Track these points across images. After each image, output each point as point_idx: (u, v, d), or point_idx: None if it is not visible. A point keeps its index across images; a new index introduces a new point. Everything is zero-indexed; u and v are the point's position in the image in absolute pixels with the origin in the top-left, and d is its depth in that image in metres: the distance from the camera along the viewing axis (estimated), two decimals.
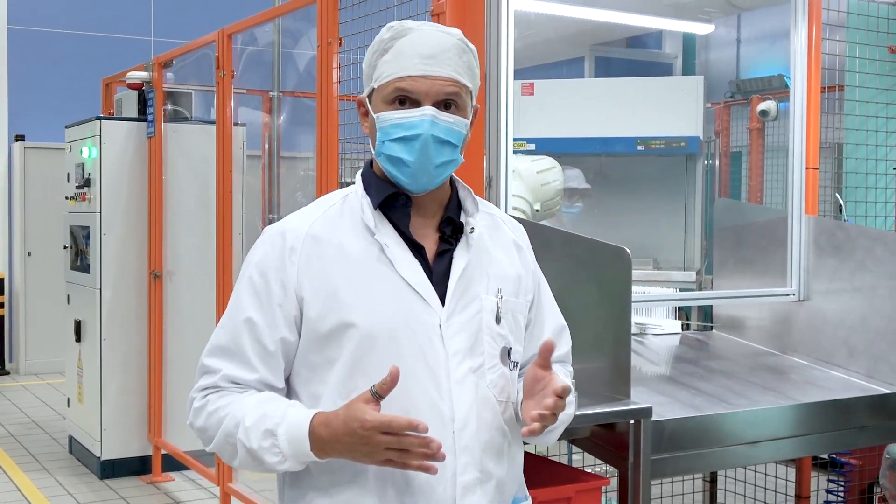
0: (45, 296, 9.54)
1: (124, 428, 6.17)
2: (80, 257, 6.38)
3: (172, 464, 6.11)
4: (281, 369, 1.80)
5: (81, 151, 6.28)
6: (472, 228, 1.84)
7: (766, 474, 4.30)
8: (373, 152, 1.82)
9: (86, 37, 10.36)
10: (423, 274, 1.78)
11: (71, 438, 6.72)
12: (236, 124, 6.25)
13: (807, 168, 3.92)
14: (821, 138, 4.44)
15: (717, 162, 8.34)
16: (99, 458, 6.13)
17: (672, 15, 6.31)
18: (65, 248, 6.68)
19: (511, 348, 1.84)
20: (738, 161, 8.31)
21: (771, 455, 3.24)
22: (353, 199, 1.84)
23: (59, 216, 6.80)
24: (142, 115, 6.21)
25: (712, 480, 4.35)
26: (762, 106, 7.48)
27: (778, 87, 8.07)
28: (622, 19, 5.91)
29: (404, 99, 1.76)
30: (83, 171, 6.26)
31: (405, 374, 1.67)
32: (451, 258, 1.82)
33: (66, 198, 6.55)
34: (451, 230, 1.84)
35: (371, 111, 1.81)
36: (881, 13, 4.30)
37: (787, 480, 4.12)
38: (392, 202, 1.81)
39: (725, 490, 4.51)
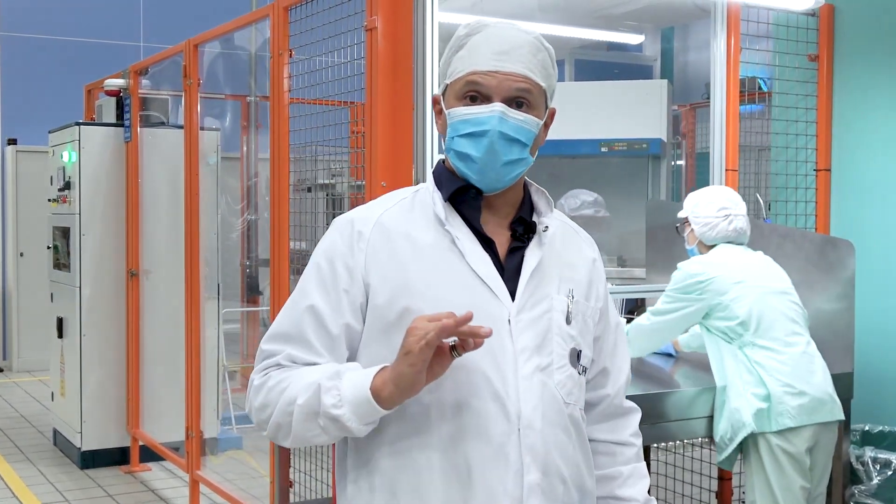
0: (36, 295, 9.79)
1: (103, 420, 6.44)
2: (69, 257, 6.64)
3: (150, 454, 6.38)
4: (344, 358, 1.76)
5: (62, 156, 6.56)
6: (546, 227, 1.81)
7: (692, 457, 4.55)
8: (444, 148, 1.82)
9: (77, 43, 10.64)
10: (493, 267, 1.75)
11: (55, 431, 6.99)
12: (210, 129, 6.53)
13: (726, 170, 4.17)
14: (752, 140, 4.70)
15: (685, 163, 8.59)
16: (79, 448, 6.40)
17: (603, 26, 6.56)
18: (48, 248, 6.96)
19: (581, 351, 1.81)
20: (705, 162, 8.55)
21: (671, 435, 3.49)
22: (424, 194, 1.83)
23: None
24: (120, 120, 6.48)
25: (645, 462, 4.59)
26: None
27: (751, 90, 8.31)
28: (550, 31, 6.16)
29: (475, 95, 1.74)
30: (64, 174, 6.53)
31: (472, 367, 1.67)
32: (522, 256, 1.79)
33: (49, 200, 6.83)
34: (524, 229, 1.81)
35: (444, 107, 1.80)
36: (800, 23, 4.56)
37: (710, 463, 4.36)
38: (463, 196, 1.79)
39: (657, 473, 4.77)
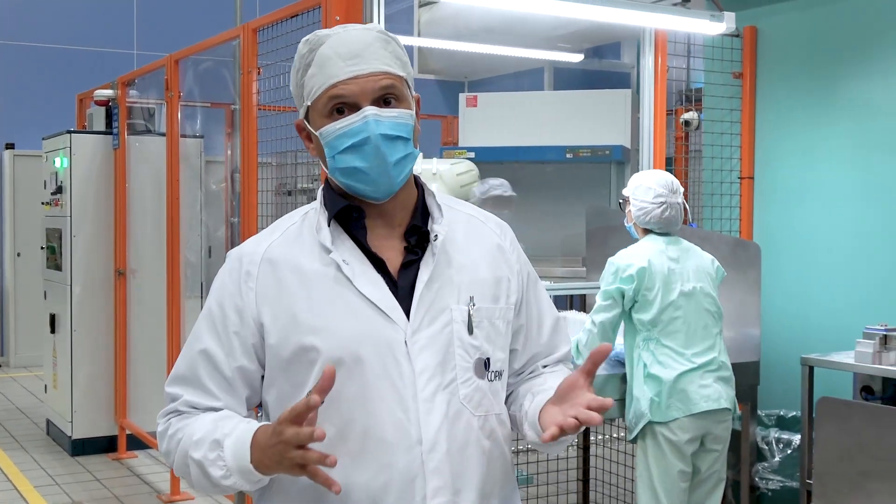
0: (33, 294, 10.17)
1: (93, 410, 6.85)
2: (61, 257, 7.04)
3: (136, 442, 6.78)
4: (243, 397, 1.75)
5: (55, 161, 6.97)
6: (436, 236, 1.74)
7: (625, 440, 4.96)
8: (327, 171, 1.75)
9: (73, 51, 11.06)
10: (386, 289, 1.70)
11: (48, 421, 7.41)
12: (193, 136, 6.94)
13: None
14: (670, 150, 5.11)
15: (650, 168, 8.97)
16: (70, 437, 6.81)
17: (542, 46, 6.98)
18: (42, 248, 7.37)
19: (488, 359, 1.75)
20: (669, 167, 8.95)
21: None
22: (312, 217, 1.77)
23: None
24: (108, 128, 6.90)
25: (585, 447, 5.00)
26: (685, 116, 8.10)
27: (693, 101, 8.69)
28: (494, 51, 6.57)
29: (341, 107, 1.68)
30: (56, 178, 6.94)
31: (371, 395, 1.65)
32: (417, 269, 1.73)
33: (42, 203, 7.24)
34: (417, 239, 1.75)
35: (312, 130, 1.74)
36: (725, 44, 4.97)
37: (633, 455, 4.74)
38: (348, 214, 1.74)
39: (597, 456, 5.17)
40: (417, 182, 1.81)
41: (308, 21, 4.25)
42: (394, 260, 1.74)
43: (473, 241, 1.81)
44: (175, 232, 5.89)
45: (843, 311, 4.63)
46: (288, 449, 1.52)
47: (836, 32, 4.76)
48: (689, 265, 3.85)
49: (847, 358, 3.93)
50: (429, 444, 1.66)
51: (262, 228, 4.75)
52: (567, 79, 11.25)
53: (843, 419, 2.12)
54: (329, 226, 1.73)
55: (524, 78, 11.71)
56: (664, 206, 3.83)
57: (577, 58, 7.65)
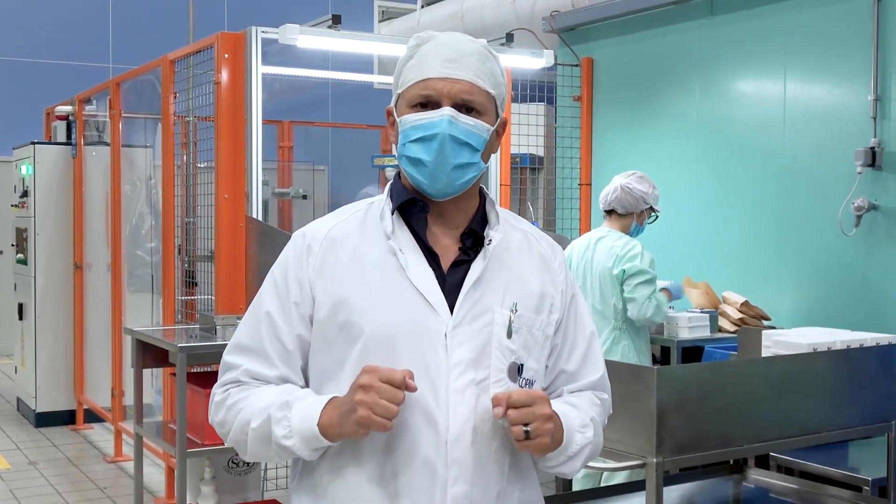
0: (10, 287, 11.05)
1: (55, 387, 7.78)
2: (26, 253, 7.97)
3: (94, 416, 7.71)
4: (299, 368, 1.82)
5: (21, 169, 7.91)
6: (490, 240, 1.80)
7: None
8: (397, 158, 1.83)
9: (50, 65, 12.01)
10: (434, 281, 1.76)
11: (17, 399, 8.36)
12: (142, 146, 7.83)
13: (501, 185, 5.51)
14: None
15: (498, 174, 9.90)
16: (35, 411, 7.76)
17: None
18: (11, 245, 8.31)
19: (522, 365, 1.78)
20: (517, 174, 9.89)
21: None
22: (377, 206, 1.85)
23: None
24: (69, 139, 7.83)
25: None
26: None
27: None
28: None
29: (426, 102, 1.76)
30: (23, 184, 7.88)
31: None
32: (467, 269, 1.78)
33: (12, 205, 8.19)
34: (472, 242, 1.81)
35: (396, 117, 1.81)
36: (565, 72, 5.92)
37: None
38: (411, 208, 1.81)
39: None
40: (482, 193, 1.88)
41: (207, 56, 5.19)
42: (447, 257, 1.81)
43: (525, 254, 1.86)
44: (117, 231, 6.82)
45: None
46: (361, 376, 1.66)
47: (657, 62, 5.70)
48: (595, 262, 4.63)
49: None
50: (454, 434, 1.71)
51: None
52: (521, 92, 12.15)
53: None
54: (392, 215, 1.82)
55: None
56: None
57: None
